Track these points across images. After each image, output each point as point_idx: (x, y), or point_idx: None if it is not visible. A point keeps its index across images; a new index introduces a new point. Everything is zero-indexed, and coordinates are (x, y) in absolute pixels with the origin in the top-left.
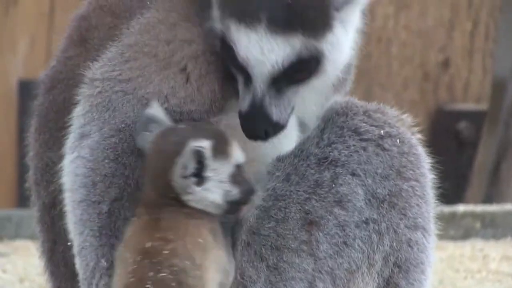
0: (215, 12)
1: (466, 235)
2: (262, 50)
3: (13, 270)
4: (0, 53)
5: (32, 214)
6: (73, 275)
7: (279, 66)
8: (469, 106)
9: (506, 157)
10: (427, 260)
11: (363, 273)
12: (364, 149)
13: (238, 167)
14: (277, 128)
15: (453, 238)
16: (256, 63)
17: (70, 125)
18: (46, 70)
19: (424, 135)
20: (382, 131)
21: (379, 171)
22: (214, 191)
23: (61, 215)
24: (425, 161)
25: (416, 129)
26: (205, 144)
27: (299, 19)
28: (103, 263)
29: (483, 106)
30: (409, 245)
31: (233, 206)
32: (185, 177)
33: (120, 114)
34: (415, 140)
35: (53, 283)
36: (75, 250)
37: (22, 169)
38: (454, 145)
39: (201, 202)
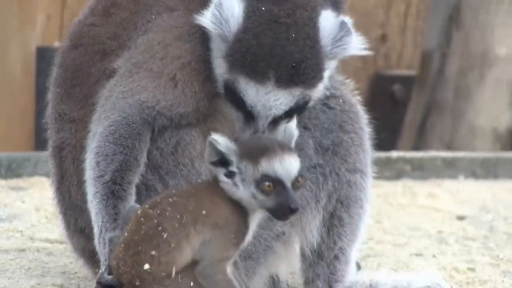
0: (222, 63)
1: (398, 176)
2: (269, 100)
3: (30, 201)
4: (22, 26)
5: (46, 156)
6: (75, 204)
7: (281, 111)
8: (401, 72)
9: (431, 114)
10: (364, 197)
11: (311, 207)
12: (313, 107)
13: (268, 179)
14: None
15: (388, 178)
16: (263, 109)
17: (83, 86)
18: (63, 37)
19: (365, 96)
20: (327, 93)
21: (325, 125)
22: (241, 188)
23: (67, 156)
24: (363, 117)
25: (357, 91)
26: (218, 138)
27: (301, 77)
28: (108, 219)
29: (413, 72)
30: (349, 185)
31: (272, 214)
32: (211, 163)
33: (119, 110)
34: (355, 100)
35: (60, 209)
36: (89, 205)
37: (39, 119)
38: (389, 104)
39: (234, 194)
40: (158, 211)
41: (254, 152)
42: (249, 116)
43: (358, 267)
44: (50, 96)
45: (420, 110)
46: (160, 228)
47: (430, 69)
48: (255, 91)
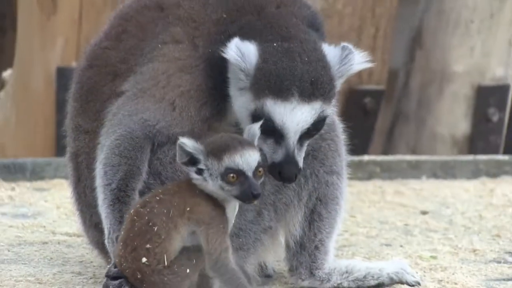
0: (247, 94)
1: (369, 177)
2: (296, 115)
3: (52, 200)
4: (44, 49)
5: (65, 161)
6: (89, 203)
7: (307, 125)
8: (372, 87)
9: (397, 123)
10: (340, 195)
11: (294, 205)
12: None
13: (232, 171)
14: (300, 171)
15: (360, 179)
16: (291, 125)
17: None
18: (79, 58)
19: (341, 108)
20: None
21: None
22: (210, 182)
23: (82, 162)
24: (338, 126)
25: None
26: (186, 141)
27: (319, 91)
28: (115, 222)
29: (382, 87)
30: (327, 185)
31: (242, 199)
32: (182, 163)
33: (124, 126)
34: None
35: (77, 206)
36: (99, 209)
37: (59, 129)
38: (361, 114)
39: (206, 188)
40: (148, 209)
41: (217, 149)
42: (278, 137)
43: (335, 255)
44: (68, 109)
45: (388, 120)
46: (150, 224)
47: (396, 84)
48: (283, 108)
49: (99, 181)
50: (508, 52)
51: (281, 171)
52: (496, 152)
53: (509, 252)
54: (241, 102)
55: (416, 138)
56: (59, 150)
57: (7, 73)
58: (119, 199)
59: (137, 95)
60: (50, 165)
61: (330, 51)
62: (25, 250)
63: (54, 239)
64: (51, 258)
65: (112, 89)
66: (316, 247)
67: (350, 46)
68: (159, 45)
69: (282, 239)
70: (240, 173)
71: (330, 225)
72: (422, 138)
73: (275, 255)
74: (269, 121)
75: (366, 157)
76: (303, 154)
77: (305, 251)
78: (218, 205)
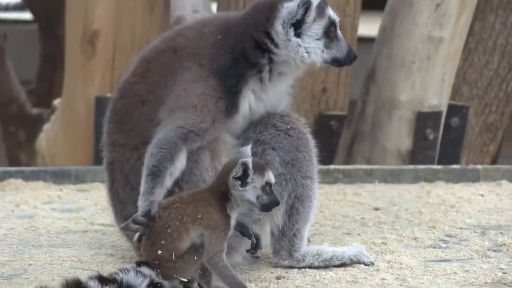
0: (318, 22)
1: (334, 181)
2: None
3: (91, 199)
4: (86, 83)
5: (101, 169)
6: (120, 201)
7: None
8: (336, 112)
9: (356, 140)
10: (313, 195)
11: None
12: (279, 135)
13: (268, 184)
14: None
15: (328, 183)
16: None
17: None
18: (113, 91)
19: (312, 128)
20: (288, 126)
21: (287, 147)
22: (250, 193)
23: (116, 169)
24: (311, 142)
25: (307, 125)
26: (248, 161)
27: None
28: (147, 187)
29: (344, 112)
30: (303, 187)
31: (263, 207)
32: (235, 178)
33: (164, 133)
34: (306, 131)
35: (111, 203)
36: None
37: (97, 145)
38: (328, 133)
39: (240, 198)
40: (167, 213)
41: (260, 167)
42: (338, 36)
43: (308, 241)
44: (105, 129)
45: (349, 138)
46: (166, 226)
47: (355, 110)
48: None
49: (144, 162)
50: (441, 87)
51: (353, 54)
52: (431, 163)
53: (442, 240)
54: (308, 38)
55: (370, 152)
56: (97, 161)
57: (57, 101)
58: (153, 173)
59: (170, 114)
60: (90, 172)
61: None
62: (70, 237)
63: (92, 229)
64: (90, 243)
65: (142, 113)
66: (294, 235)
67: None
68: (177, 77)
69: (268, 228)
70: (271, 186)
71: (305, 218)
72: (375, 152)
73: (262, 240)
74: (334, 23)
75: (332, 166)
76: None
77: (285, 238)
78: (225, 215)
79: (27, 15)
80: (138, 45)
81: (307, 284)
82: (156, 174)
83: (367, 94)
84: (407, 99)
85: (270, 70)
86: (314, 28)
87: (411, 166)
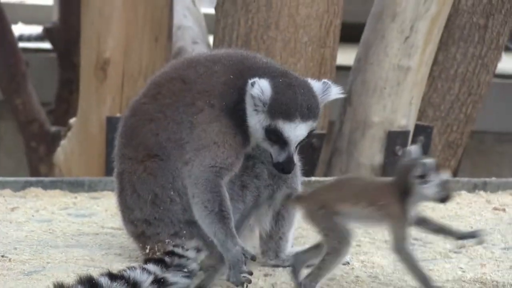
0: (262, 116)
1: None
2: (297, 131)
3: (102, 205)
4: (98, 104)
5: (112, 179)
6: (128, 207)
7: (303, 137)
8: (317, 131)
9: (334, 156)
10: None
11: (266, 209)
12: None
13: (444, 180)
14: (294, 166)
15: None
16: (294, 137)
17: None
18: (124, 110)
19: None
20: None
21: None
22: (430, 189)
23: (125, 178)
24: (296, 158)
25: None
26: (429, 162)
27: (312, 113)
28: (229, 233)
29: (324, 131)
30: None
31: (440, 200)
32: (416, 176)
33: (199, 178)
34: None
35: (119, 208)
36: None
37: (108, 158)
38: (310, 149)
39: (419, 194)
40: (344, 184)
41: (436, 166)
42: (283, 144)
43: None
44: (116, 143)
45: (328, 153)
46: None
47: (334, 129)
48: (289, 126)
49: (201, 213)
50: (409, 109)
51: (283, 167)
52: None
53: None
54: (256, 120)
55: (346, 166)
56: (108, 172)
57: (73, 120)
58: (225, 216)
59: (196, 154)
60: (101, 182)
61: (315, 84)
62: (83, 239)
63: (103, 231)
64: (101, 244)
65: (149, 130)
66: (280, 238)
67: (328, 81)
68: (194, 116)
69: (257, 232)
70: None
71: (290, 222)
72: (351, 166)
73: (252, 243)
74: (279, 134)
75: (313, 178)
76: (297, 155)
77: (272, 240)
78: (403, 208)
79: (47, 45)
80: (144, 72)
81: (291, 281)
82: (227, 217)
83: (344, 115)
84: (379, 120)
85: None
86: (260, 118)
87: (382, 179)
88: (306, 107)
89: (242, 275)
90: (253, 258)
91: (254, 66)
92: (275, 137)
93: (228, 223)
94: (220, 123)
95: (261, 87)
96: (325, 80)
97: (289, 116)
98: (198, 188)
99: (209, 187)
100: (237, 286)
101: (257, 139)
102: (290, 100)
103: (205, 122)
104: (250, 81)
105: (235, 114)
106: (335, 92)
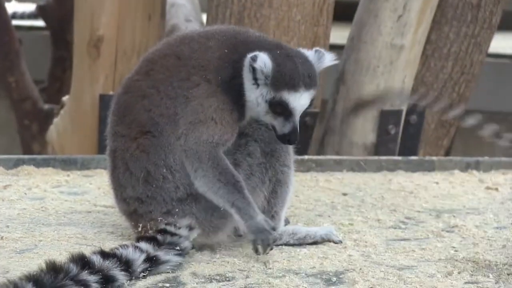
0: (266, 89)
1: (308, 170)
2: (301, 100)
3: (95, 183)
4: (91, 82)
5: (105, 157)
6: (121, 185)
7: (307, 106)
8: (311, 110)
9: (327, 134)
10: (289, 181)
11: (260, 187)
12: (260, 129)
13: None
14: (298, 136)
15: (302, 171)
16: (299, 107)
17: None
18: (117, 87)
19: None
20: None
21: (267, 139)
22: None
23: (118, 156)
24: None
25: None
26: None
27: (313, 81)
28: (249, 201)
29: (317, 110)
30: (282, 173)
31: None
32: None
33: (200, 155)
34: None
35: (112, 186)
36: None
37: (101, 135)
38: (303, 128)
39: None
40: None
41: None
42: (288, 116)
43: (287, 222)
44: (109, 121)
45: (321, 132)
46: None
47: (327, 108)
48: (294, 96)
49: (212, 186)
50: (402, 88)
51: (290, 138)
52: (393, 154)
53: (402, 222)
54: (258, 94)
55: (339, 144)
56: (100, 150)
57: (66, 98)
58: (242, 186)
59: (191, 128)
60: (94, 160)
61: (309, 53)
62: (75, 217)
63: (95, 209)
64: (93, 222)
65: (142, 107)
66: (273, 216)
67: (321, 49)
68: (190, 91)
69: None
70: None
71: (282, 201)
72: (343, 145)
73: None
74: (284, 105)
75: (306, 157)
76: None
77: None
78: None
79: (40, 23)
80: (138, 50)
81: (283, 259)
82: (243, 186)
83: (337, 94)
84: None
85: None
86: (264, 90)
87: (375, 157)
88: (307, 76)
89: (268, 240)
90: (274, 228)
91: (248, 40)
92: (281, 109)
93: (245, 193)
94: (217, 99)
95: (263, 60)
96: (317, 48)
97: (294, 87)
98: (203, 162)
99: (216, 161)
100: (264, 251)
101: (257, 113)
102: (292, 71)
103: (202, 96)
104: (249, 55)
105: (231, 89)
106: (329, 59)
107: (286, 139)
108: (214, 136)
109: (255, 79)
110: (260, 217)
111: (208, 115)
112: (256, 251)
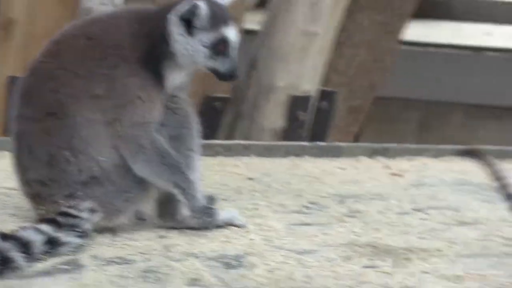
0: (207, 33)
1: (216, 154)
2: (235, 33)
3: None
4: (1, 64)
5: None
6: (24, 167)
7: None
8: (222, 95)
9: (237, 119)
10: (193, 162)
11: None
12: (167, 113)
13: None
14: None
15: (210, 155)
16: (236, 40)
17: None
18: (25, 69)
19: (199, 108)
20: (175, 105)
21: (173, 124)
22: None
23: (22, 139)
24: (195, 120)
25: (194, 105)
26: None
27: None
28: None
29: (228, 95)
30: (189, 156)
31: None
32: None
33: (135, 137)
34: (191, 110)
35: (15, 168)
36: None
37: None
38: (213, 113)
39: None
40: None
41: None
42: (227, 53)
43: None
44: (14, 103)
45: (231, 117)
46: None
47: (238, 93)
48: (231, 31)
49: (154, 169)
50: (314, 75)
51: (232, 73)
52: (302, 140)
53: (306, 206)
54: (196, 43)
55: (249, 129)
56: (6, 132)
57: None
58: (182, 166)
59: (120, 112)
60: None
61: None
62: None
63: None
64: None
65: (49, 89)
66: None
67: None
68: (110, 71)
69: (155, 194)
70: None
71: None
72: (253, 130)
73: (148, 205)
74: (227, 42)
75: (214, 141)
76: None
77: (169, 203)
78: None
79: None
80: (50, 34)
81: (186, 243)
82: (183, 166)
83: (250, 79)
84: (283, 84)
85: (175, 59)
86: (203, 36)
87: (284, 143)
88: (227, 10)
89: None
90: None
91: (152, 10)
92: (223, 46)
93: (185, 172)
94: (139, 77)
95: (201, 7)
96: None
97: (227, 22)
98: (142, 145)
99: (154, 144)
100: (212, 228)
101: (193, 64)
102: (220, 9)
103: (123, 76)
104: (192, 3)
105: (149, 62)
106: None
107: (230, 75)
108: (145, 115)
109: (189, 30)
110: (202, 194)
111: (134, 94)
112: (205, 228)
